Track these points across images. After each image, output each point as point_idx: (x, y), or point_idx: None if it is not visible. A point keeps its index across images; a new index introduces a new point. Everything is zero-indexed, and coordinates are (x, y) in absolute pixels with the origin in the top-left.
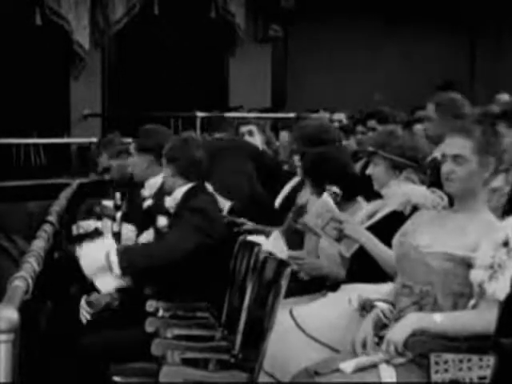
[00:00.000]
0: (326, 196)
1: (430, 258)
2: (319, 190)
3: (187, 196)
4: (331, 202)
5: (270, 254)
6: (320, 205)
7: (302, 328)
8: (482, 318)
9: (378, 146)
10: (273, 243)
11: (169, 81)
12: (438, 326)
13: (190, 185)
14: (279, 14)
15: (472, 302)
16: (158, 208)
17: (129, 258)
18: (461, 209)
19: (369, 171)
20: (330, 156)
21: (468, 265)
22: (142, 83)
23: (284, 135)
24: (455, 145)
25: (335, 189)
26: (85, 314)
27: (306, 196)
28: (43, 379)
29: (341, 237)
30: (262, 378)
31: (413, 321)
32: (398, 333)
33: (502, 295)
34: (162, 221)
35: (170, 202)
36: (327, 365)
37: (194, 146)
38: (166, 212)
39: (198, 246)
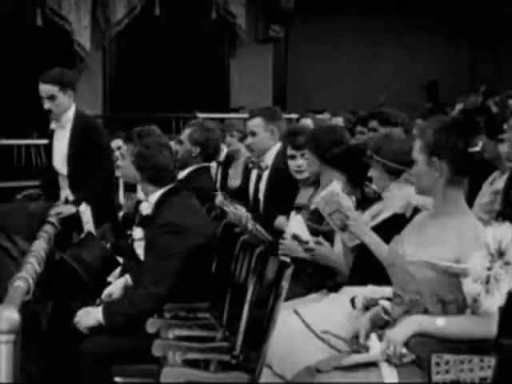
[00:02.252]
0: (335, 185)
1: (413, 268)
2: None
3: (160, 203)
4: (340, 193)
5: (295, 236)
6: (330, 192)
7: (313, 330)
8: (483, 324)
9: (373, 150)
10: (296, 226)
11: (170, 81)
12: (440, 330)
13: (162, 190)
14: (280, 15)
15: (468, 311)
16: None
17: (109, 317)
18: (436, 213)
19: (369, 174)
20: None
21: (453, 274)
22: (143, 84)
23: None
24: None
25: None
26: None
27: (306, 196)
28: (44, 380)
29: (345, 227)
30: (272, 378)
31: (415, 323)
32: (399, 333)
33: (494, 310)
34: (138, 233)
35: (147, 208)
36: (328, 363)
37: (158, 151)
38: (140, 221)
39: (182, 265)
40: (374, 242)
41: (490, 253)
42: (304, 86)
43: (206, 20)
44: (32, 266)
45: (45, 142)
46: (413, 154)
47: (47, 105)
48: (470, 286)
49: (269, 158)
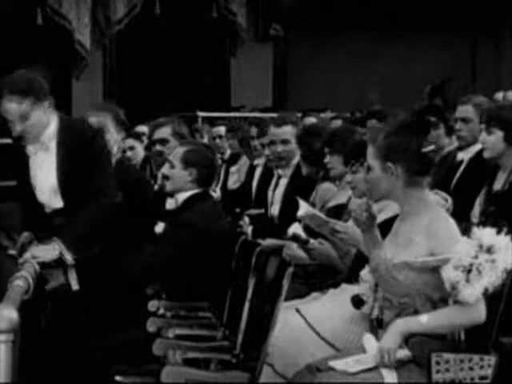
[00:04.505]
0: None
1: (395, 271)
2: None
3: (186, 203)
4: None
5: (295, 236)
6: (311, 213)
7: (316, 330)
8: (466, 312)
9: None
10: (296, 228)
11: (170, 80)
12: (425, 326)
13: (195, 191)
14: (280, 14)
15: (451, 301)
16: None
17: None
18: (404, 216)
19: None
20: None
21: (433, 269)
22: (144, 83)
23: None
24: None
25: None
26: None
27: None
28: (43, 379)
29: (335, 234)
30: (274, 377)
31: (400, 326)
32: (390, 341)
33: (472, 300)
34: (160, 227)
35: (171, 204)
36: (327, 362)
37: (214, 151)
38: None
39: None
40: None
41: (480, 244)
42: (304, 85)
43: (206, 19)
44: (31, 265)
45: None
46: (368, 161)
47: (19, 127)
48: (450, 273)
49: (290, 167)
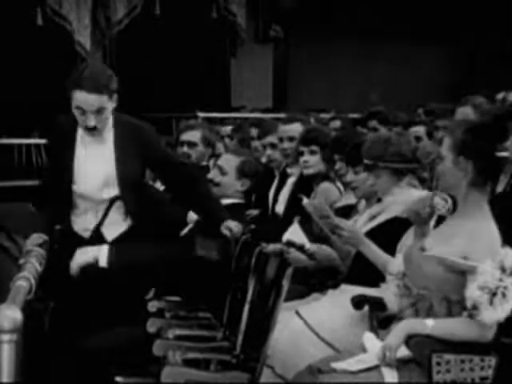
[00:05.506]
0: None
1: (424, 263)
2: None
3: (230, 208)
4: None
5: (289, 242)
6: (318, 204)
7: (315, 331)
8: (477, 329)
9: (375, 158)
10: (292, 233)
11: (170, 81)
12: (430, 330)
13: (239, 200)
14: (280, 15)
15: (465, 314)
16: None
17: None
18: (457, 213)
19: (370, 182)
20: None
21: (460, 271)
22: (144, 83)
23: None
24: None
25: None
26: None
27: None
28: (46, 379)
29: (336, 231)
30: (273, 379)
31: (405, 326)
32: (393, 339)
33: (490, 323)
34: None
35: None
36: (329, 363)
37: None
38: None
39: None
40: (371, 250)
41: (502, 266)
42: (304, 86)
43: (206, 20)
44: (33, 265)
45: (45, 141)
46: (441, 151)
47: (94, 120)
48: (475, 292)
49: (298, 166)
